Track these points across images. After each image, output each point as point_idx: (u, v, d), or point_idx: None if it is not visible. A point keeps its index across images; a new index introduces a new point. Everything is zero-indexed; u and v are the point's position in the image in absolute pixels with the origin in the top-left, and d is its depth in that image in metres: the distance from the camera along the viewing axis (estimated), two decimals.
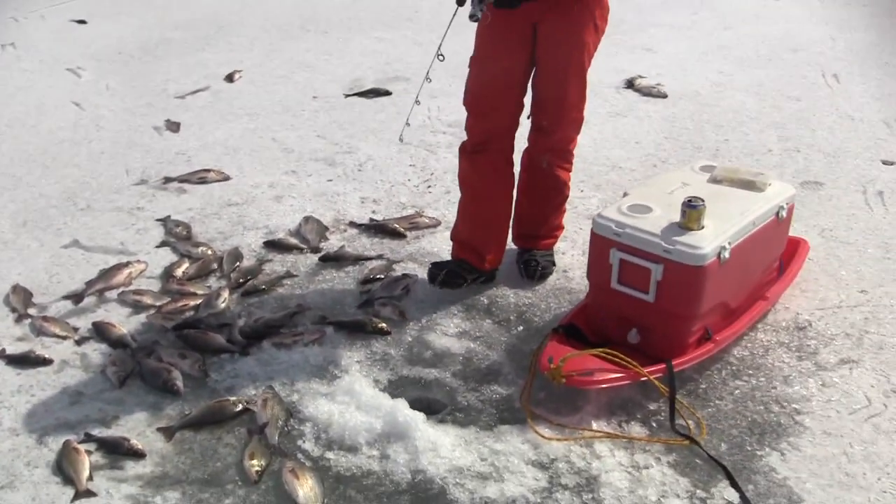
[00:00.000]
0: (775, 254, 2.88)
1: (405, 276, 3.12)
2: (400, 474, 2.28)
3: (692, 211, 2.45)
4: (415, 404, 2.49)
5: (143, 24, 6.34)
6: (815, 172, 3.97)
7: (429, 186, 3.88)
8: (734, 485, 2.23)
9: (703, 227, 2.47)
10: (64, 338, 2.84)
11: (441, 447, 2.34)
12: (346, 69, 5.39)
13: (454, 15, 2.65)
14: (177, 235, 3.46)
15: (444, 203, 3.68)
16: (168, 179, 3.96)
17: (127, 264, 3.21)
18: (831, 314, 2.92)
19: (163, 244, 3.42)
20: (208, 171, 4.01)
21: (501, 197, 3.03)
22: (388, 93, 4.96)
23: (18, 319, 2.94)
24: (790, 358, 2.71)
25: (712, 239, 2.44)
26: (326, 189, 3.87)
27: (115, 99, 4.97)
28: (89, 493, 2.23)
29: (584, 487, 2.24)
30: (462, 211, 3.08)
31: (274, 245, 3.39)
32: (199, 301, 3.01)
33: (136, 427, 2.46)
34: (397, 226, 3.47)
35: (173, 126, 4.58)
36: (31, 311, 2.98)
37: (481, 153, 2.93)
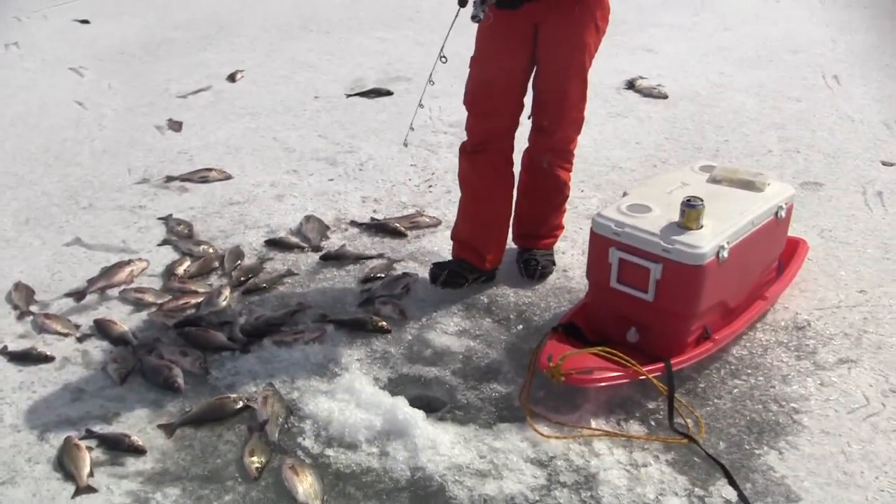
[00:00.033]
0: (774, 254, 2.89)
1: (405, 274, 3.13)
2: (399, 471, 2.29)
3: (691, 210, 2.47)
4: (414, 402, 2.50)
5: (145, 24, 6.35)
6: (814, 173, 3.98)
7: (430, 186, 3.89)
8: (732, 483, 2.24)
9: (701, 227, 2.48)
10: (65, 335, 2.85)
11: (440, 445, 2.35)
12: (348, 69, 5.41)
13: (456, 16, 2.66)
14: (178, 234, 3.47)
15: (445, 203, 3.70)
16: (170, 178, 3.97)
17: (128, 262, 3.23)
18: (830, 314, 2.93)
19: (164, 242, 3.43)
20: (210, 170, 4.03)
21: (501, 197, 3.04)
22: (389, 93, 4.97)
23: (20, 317, 2.95)
24: (789, 357, 2.72)
25: (711, 238, 2.45)
26: (328, 188, 3.88)
27: (118, 98, 4.98)
28: (90, 489, 2.24)
29: (582, 485, 2.25)
30: (462, 211, 3.09)
31: (275, 244, 3.41)
32: (200, 299, 3.02)
33: (137, 424, 2.47)
34: (398, 225, 3.48)
35: (175, 125, 4.59)
36: (33, 308, 3.00)
37: (481, 153, 2.94)
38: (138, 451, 2.36)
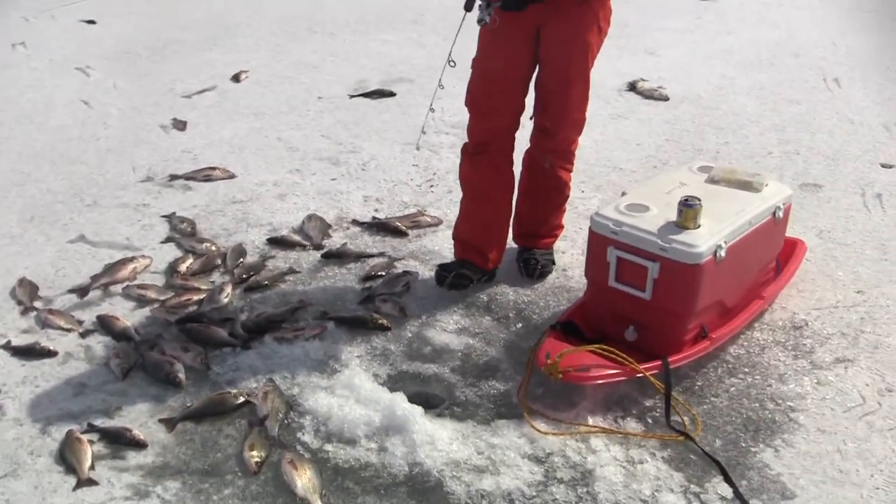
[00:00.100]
0: (772, 254, 2.90)
1: (406, 273, 3.15)
2: (397, 467, 2.31)
3: (688, 210, 2.48)
4: (413, 399, 2.52)
5: (151, 24, 6.39)
6: (814, 175, 4.00)
7: (431, 186, 3.92)
8: (728, 480, 2.25)
9: (699, 226, 2.50)
10: (69, 330, 2.88)
11: (438, 440, 2.37)
12: (352, 70, 5.43)
13: (462, 20, 2.69)
14: (181, 231, 3.50)
15: (446, 202, 3.72)
16: (174, 177, 4.00)
17: (132, 259, 3.26)
18: (828, 314, 2.94)
19: (168, 240, 3.46)
20: (214, 168, 4.06)
21: (502, 197, 3.06)
22: (392, 94, 5.00)
23: (24, 312, 2.98)
24: (786, 356, 2.74)
25: (708, 238, 2.47)
26: (330, 188, 3.91)
27: (123, 98, 5.02)
28: (91, 482, 2.26)
29: (579, 481, 2.27)
30: (464, 211, 3.11)
31: (277, 242, 3.43)
32: (202, 296, 3.05)
33: (139, 418, 2.50)
34: (399, 224, 3.51)
35: (180, 124, 4.62)
36: (37, 303, 3.03)
37: (483, 154, 2.96)
38: (139, 445, 2.38)
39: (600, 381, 2.49)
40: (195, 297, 3.04)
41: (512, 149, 3.01)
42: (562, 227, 3.24)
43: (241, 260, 3.29)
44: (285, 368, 2.69)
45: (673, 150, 4.29)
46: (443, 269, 3.08)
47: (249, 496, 2.23)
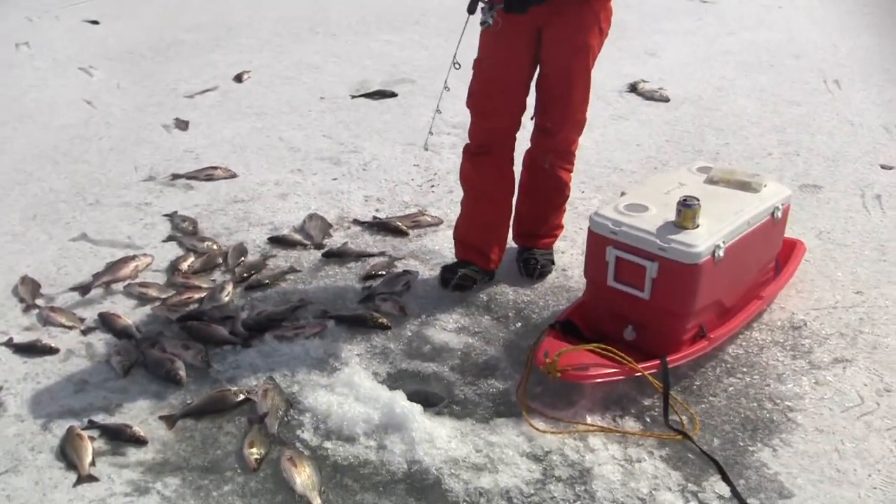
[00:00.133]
0: (771, 254, 2.91)
1: (406, 272, 3.16)
2: (396, 464, 2.32)
3: (687, 210, 2.49)
4: (412, 397, 2.53)
5: (154, 24, 6.42)
6: (814, 176, 4.00)
7: (432, 186, 3.93)
8: (725, 479, 2.26)
9: (697, 226, 2.50)
10: (70, 328, 2.90)
11: (437, 438, 2.38)
12: (354, 71, 5.45)
13: (466, 23, 2.70)
14: (183, 230, 3.52)
15: (447, 202, 3.73)
16: (176, 176, 4.02)
17: (133, 257, 3.27)
18: (826, 314, 2.95)
19: (169, 239, 3.47)
20: (215, 168, 4.07)
21: (503, 198, 3.07)
22: (393, 94, 5.01)
23: (26, 309, 3.00)
24: (784, 356, 2.74)
25: (707, 238, 2.48)
26: (331, 187, 3.92)
27: (126, 97, 5.04)
28: (91, 478, 2.27)
29: (577, 479, 2.27)
30: (464, 211, 3.12)
31: (278, 241, 3.45)
32: (203, 294, 3.06)
33: (139, 415, 2.51)
34: (400, 224, 3.52)
35: (182, 124, 4.64)
36: (39, 301, 3.04)
37: (484, 155, 2.97)
38: (140, 442, 2.39)
39: (599, 380, 2.49)
40: (196, 296, 3.06)
41: (513, 149, 3.02)
42: (562, 227, 3.25)
43: (242, 259, 3.31)
44: (285, 366, 2.70)
45: (673, 151, 4.30)
46: (447, 271, 3.09)
47: (249, 493, 2.24)
